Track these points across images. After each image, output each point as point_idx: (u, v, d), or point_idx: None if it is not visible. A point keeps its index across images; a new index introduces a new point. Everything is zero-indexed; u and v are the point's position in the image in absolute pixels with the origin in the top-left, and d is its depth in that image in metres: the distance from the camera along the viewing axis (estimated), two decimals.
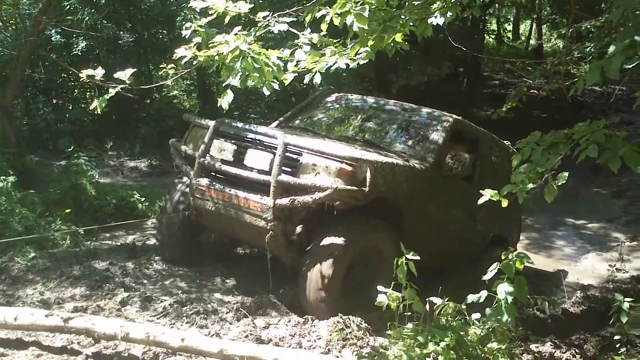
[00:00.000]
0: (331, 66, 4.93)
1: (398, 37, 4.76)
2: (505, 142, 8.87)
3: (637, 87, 18.52)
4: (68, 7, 13.56)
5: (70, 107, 15.22)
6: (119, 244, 7.97)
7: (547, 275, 9.29)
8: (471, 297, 5.18)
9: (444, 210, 7.35)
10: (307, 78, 4.95)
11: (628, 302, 5.65)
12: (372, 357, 5.03)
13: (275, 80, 4.63)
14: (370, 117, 7.89)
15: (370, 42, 4.67)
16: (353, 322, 5.77)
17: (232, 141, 6.59)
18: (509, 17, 30.61)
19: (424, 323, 5.25)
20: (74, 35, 13.84)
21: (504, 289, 4.93)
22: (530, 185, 3.95)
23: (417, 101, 8.49)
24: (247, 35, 4.45)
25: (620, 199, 13.41)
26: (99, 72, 4.72)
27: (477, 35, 20.08)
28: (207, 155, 6.64)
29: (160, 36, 15.73)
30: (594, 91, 22.20)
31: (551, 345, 6.29)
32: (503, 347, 5.12)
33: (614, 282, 8.68)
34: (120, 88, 4.79)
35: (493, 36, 28.50)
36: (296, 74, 4.86)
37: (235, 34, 4.46)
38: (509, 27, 31.46)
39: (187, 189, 7.12)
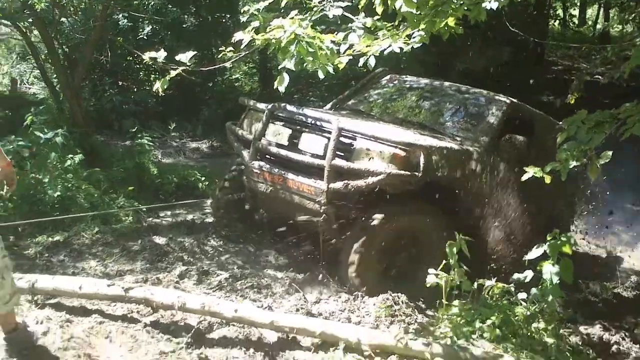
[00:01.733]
0: (385, 49, 5.03)
1: (451, 21, 4.83)
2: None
3: None
4: None
5: (135, 89, 15.66)
6: (179, 220, 8.24)
7: (603, 260, 9.25)
8: (517, 276, 5.30)
9: (499, 196, 7.38)
10: (361, 61, 5.07)
11: None
12: (419, 333, 5.16)
13: (329, 64, 4.77)
14: (425, 98, 7.97)
15: (422, 26, 4.75)
16: (401, 299, 5.91)
17: (287, 125, 6.78)
18: (575, 1, 29.95)
19: (472, 302, 5.39)
20: (140, 20, 14.22)
21: (549, 270, 5.04)
22: (574, 163, 4.02)
23: (478, 86, 8.48)
24: (303, 19, 4.60)
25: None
26: (161, 54, 4.96)
27: (541, 20, 19.76)
28: (262, 138, 6.84)
29: (224, 20, 16.00)
30: None
31: (600, 327, 6.35)
32: (550, 327, 5.20)
33: None
34: (182, 70, 5.02)
35: (558, 21, 27.96)
36: (350, 57, 4.96)
37: (291, 18, 4.60)
38: (575, 12, 30.78)
39: (240, 171, 7.36)
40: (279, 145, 6.71)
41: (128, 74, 15.94)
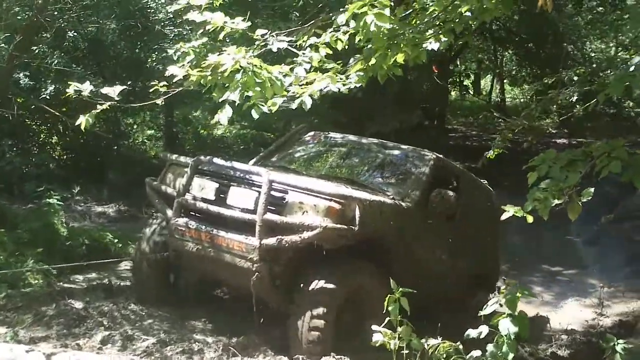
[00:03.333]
0: (322, 90, 4.80)
1: (400, 57, 4.66)
2: (483, 181, 8.86)
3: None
4: (37, 50, 13.35)
5: (36, 152, 14.94)
6: (94, 284, 7.69)
7: (531, 320, 9.20)
8: (472, 333, 5.06)
9: (429, 250, 7.27)
10: (295, 104, 4.80)
11: (621, 344, 5.55)
12: None
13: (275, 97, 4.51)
14: (351, 154, 7.82)
15: (372, 61, 4.57)
16: None
17: (214, 179, 6.44)
18: (469, 71, 31.08)
19: None
20: (42, 79, 13.65)
21: (506, 325, 4.83)
22: (555, 201, 3.87)
23: None
24: (247, 51, 4.35)
25: (592, 246, 13.43)
26: (87, 87, 4.61)
27: (443, 88, 20.33)
28: (187, 193, 6.47)
29: (129, 82, 15.57)
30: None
31: None
32: None
33: (598, 327, 8.68)
34: (108, 105, 4.69)
35: (455, 91, 28.88)
36: (286, 96, 4.70)
37: (237, 48, 4.35)
38: (469, 82, 31.89)
39: (164, 229, 6.94)
40: (205, 201, 6.35)
41: (29, 136, 15.18)
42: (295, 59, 4.74)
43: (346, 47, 4.98)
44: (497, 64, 25.78)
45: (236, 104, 4.46)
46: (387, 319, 5.05)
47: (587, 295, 10.77)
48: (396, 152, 7.83)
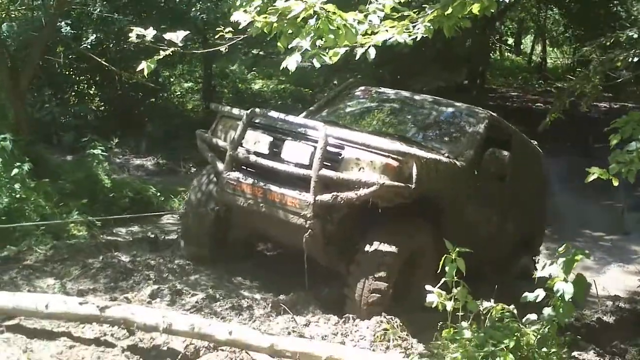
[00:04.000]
0: (387, 40, 4.57)
1: (476, 7, 4.40)
2: (533, 142, 8.65)
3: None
4: None
5: (75, 102, 14.90)
6: (139, 237, 7.62)
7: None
8: (529, 296, 4.91)
9: (481, 210, 7.10)
10: (358, 53, 4.57)
11: None
12: (430, 357, 4.73)
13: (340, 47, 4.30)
14: (403, 110, 7.59)
15: (449, 10, 4.33)
16: (396, 322, 5.48)
17: (268, 132, 6.27)
18: (510, 31, 30.50)
19: (478, 324, 5.00)
20: (84, 27, 13.53)
21: (562, 287, 4.68)
22: None
23: None
24: None
25: (635, 212, 13.18)
26: (150, 32, 4.45)
27: (484, 48, 19.94)
28: (239, 147, 6.31)
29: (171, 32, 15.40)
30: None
31: (594, 353, 6.06)
32: (562, 351, 4.86)
33: None
34: (172, 51, 4.53)
35: (495, 50, 28.39)
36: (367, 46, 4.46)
37: None
38: (510, 42, 31.34)
39: (215, 183, 6.81)
40: (258, 154, 6.17)
41: (68, 86, 15.12)
42: (366, 7, 4.51)
43: None
44: (540, 24, 25.14)
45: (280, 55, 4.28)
46: (442, 279, 4.93)
47: (630, 261, 10.60)
48: (450, 109, 7.61)
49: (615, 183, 3.92)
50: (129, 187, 9.23)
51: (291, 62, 4.11)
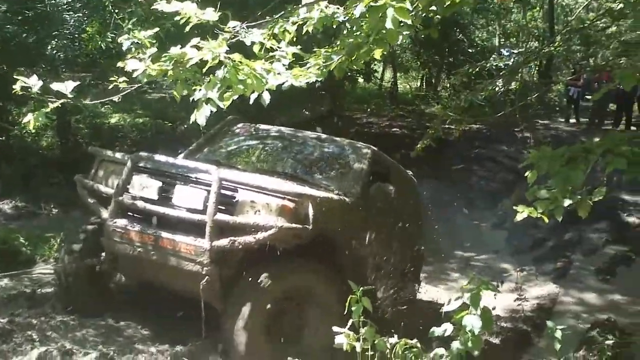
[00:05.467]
0: (282, 84, 4.52)
1: (378, 52, 4.43)
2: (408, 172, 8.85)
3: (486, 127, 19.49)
4: None
5: None
6: (13, 292, 7.07)
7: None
8: (436, 331, 4.98)
9: (370, 245, 7.14)
10: (252, 98, 4.49)
11: (560, 329, 5.62)
12: None
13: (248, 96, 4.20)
14: (288, 148, 7.56)
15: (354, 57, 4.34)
16: None
17: (155, 177, 6.05)
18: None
19: None
20: None
21: (471, 321, 4.77)
22: (568, 202, 3.77)
23: None
24: (222, 44, 4.01)
25: (499, 230, 13.79)
26: (35, 82, 4.15)
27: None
28: (125, 193, 6.05)
29: (19, 69, 14.60)
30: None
31: None
32: None
33: (521, 312, 8.89)
34: (61, 103, 4.26)
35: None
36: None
37: (216, 41, 4.01)
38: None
39: (94, 232, 6.48)
40: (146, 200, 5.94)
41: None
42: (261, 52, 4.44)
43: (294, 39, 4.74)
44: (390, 52, 25.98)
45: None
46: (350, 320, 4.91)
47: (503, 279, 11.02)
48: (332, 145, 7.64)
49: (546, 220, 4.02)
50: None
51: (200, 117, 3.96)
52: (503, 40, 29.38)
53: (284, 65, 4.27)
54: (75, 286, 6.50)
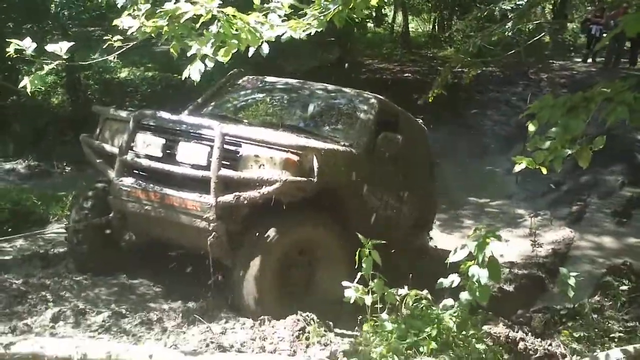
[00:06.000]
0: (281, 36, 4.43)
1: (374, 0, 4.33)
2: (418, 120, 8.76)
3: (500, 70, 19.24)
4: None
5: None
6: (28, 253, 7.11)
7: None
8: (444, 282, 4.96)
9: (379, 196, 7.12)
10: (251, 51, 4.42)
11: (573, 276, 5.58)
12: (356, 354, 4.68)
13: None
14: (294, 100, 7.49)
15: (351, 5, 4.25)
16: (312, 319, 5.37)
17: (159, 134, 6.01)
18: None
19: (397, 314, 5.01)
20: None
21: (476, 271, 4.73)
22: (568, 151, 3.69)
23: None
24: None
25: (513, 175, 13.69)
26: (28, 44, 4.09)
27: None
28: (130, 151, 6.02)
29: (26, 26, 14.50)
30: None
31: (504, 325, 6.21)
32: (479, 333, 4.96)
33: (535, 258, 8.86)
34: (57, 64, 4.20)
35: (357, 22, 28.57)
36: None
37: None
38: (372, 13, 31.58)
39: (103, 191, 6.48)
40: (151, 158, 5.91)
41: None
42: (258, 4, 4.35)
43: None
44: None
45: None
46: (358, 274, 4.90)
47: (517, 225, 11.00)
48: (339, 95, 7.54)
49: (544, 172, 3.94)
50: (6, 198, 8.62)
51: (194, 72, 3.91)
52: None
53: (279, 16, 4.19)
54: (86, 245, 6.52)
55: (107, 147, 6.24)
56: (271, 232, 5.70)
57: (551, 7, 24.65)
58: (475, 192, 12.74)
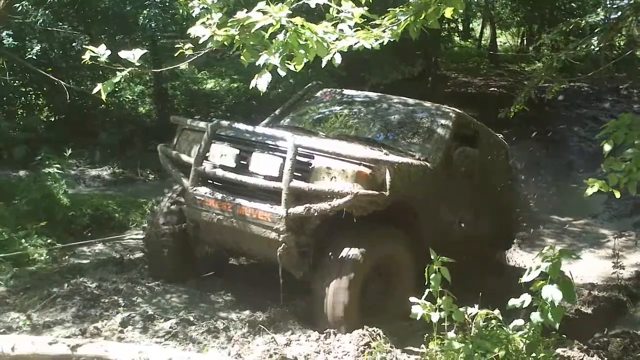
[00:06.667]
0: (352, 46, 4.38)
1: (449, 11, 4.25)
2: (498, 135, 8.58)
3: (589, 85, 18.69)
4: (19, 7, 12.68)
5: (23, 114, 14.41)
6: (103, 258, 7.29)
7: None
8: (514, 302, 4.79)
9: (454, 210, 7.00)
10: (324, 61, 4.38)
11: None
12: None
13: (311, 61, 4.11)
14: (370, 112, 7.43)
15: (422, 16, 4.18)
16: (379, 334, 5.31)
17: (233, 145, 6.06)
18: (459, 17, 30.46)
19: (464, 333, 4.88)
20: (28, 38, 13.05)
21: (550, 291, 4.56)
22: None
23: None
24: (283, 8, 3.91)
25: (600, 193, 13.24)
26: (103, 51, 4.16)
27: (435, 34, 19.91)
28: (205, 161, 6.10)
29: (117, 37, 14.96)
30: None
31: (579, 349, 5.99)
32: (552, 356, 4.77)
33: (617, 280, 8.52)
34: (129, 71, 4.26)
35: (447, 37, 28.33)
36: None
37: (278, 5, 3.92)
38: (459, 27, 31.27)
39: (179, 199, 6.57)
40: (225, 168, 5.97)
41: (15, 98, 14.58)
42: (332, 14, 4.31)
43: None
44: (488, 7, 25.18)
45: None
46: (426, 290, 4.79)
47: (600, 245, 10.63)
48: (417, 109, 7.45)
49: (617, 195, 3.76)
50: (88, 203, 8.87)
51: (262, 82, 3.91)
52: None
53: (349, 26, 4.14)
54: (161, 253, 6.63)
55: (184, 156, 6.33)
56: (359, 251, 5.67)
57: None
58: (558, 210, 12.38)
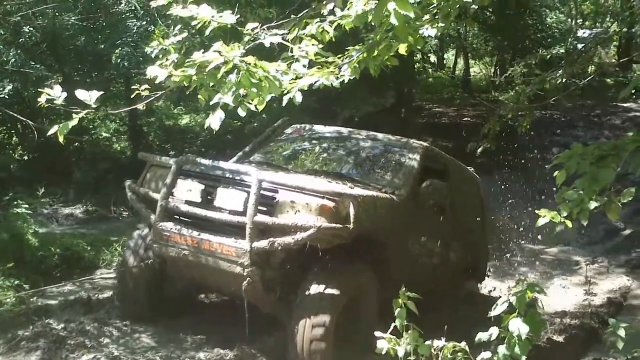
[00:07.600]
0: (313, 84, 4.44)
1: (402, 47, 4.32)
2: (469, 168, 8.67)
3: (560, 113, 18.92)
4: None
5: None
6: (71, 298, 7.23)
7: None
8: (481, 336, 4.81)
9: (422, 243, 7.03)
10: (285, 99, 4.44)
11: (623, 327, 5.34)
12: None
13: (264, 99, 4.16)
14: (338, 147, 7.51)
15: (375, 53, 4.24)
16: None
17: (199, 180, 6.08)
18: (432, 49, 30.83)
19: None
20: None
21: (517, 325, 4.58)
22: (594, 204, 3.55)
23: None
24: (236, 48, 3.97)
25: (572, 220, 13.32)
26: (59, 94, 4.16)
27: (409, 65, 20.12)
28: (171, 196, 6.10)
29: (92, 75, 14.98)
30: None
31: None
32: None
33: (589, 307, 8.55)
34: (85, 113, 4.26)
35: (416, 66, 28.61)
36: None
37: (229, 45, 3.98)
38: (433, 59, 31.62)
39: (145, 236, 6.57)
40: (191, 203, 5.98)
41: None
42: (288, 53, 4.38)
43: (333, 39, 4.67)
44: (461, 39, 25.53)
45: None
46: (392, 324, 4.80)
47: (573, 272, 10.69)
48: (385, 142, 7.53)
49: (569, 225, 3.80)
50: (58, 243, 8.80)
51: (214, 121, 3.95)
52: (581, 21, 28.43)
53: (304, 65, 4.19)
54: (131, 291, 6.60)
55: (151, 192, 6.34)
56: (334, 288, 5.67)
57: (617, 50, 24.31)
58: (531, 238, 12.44)
